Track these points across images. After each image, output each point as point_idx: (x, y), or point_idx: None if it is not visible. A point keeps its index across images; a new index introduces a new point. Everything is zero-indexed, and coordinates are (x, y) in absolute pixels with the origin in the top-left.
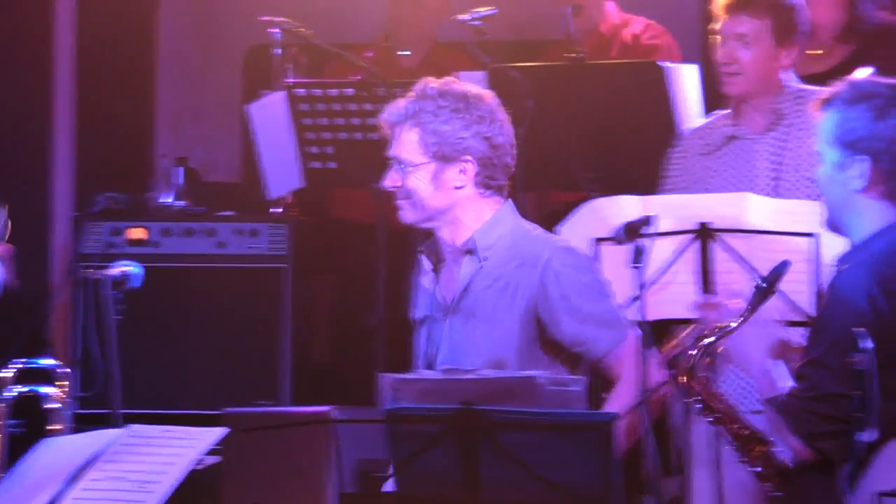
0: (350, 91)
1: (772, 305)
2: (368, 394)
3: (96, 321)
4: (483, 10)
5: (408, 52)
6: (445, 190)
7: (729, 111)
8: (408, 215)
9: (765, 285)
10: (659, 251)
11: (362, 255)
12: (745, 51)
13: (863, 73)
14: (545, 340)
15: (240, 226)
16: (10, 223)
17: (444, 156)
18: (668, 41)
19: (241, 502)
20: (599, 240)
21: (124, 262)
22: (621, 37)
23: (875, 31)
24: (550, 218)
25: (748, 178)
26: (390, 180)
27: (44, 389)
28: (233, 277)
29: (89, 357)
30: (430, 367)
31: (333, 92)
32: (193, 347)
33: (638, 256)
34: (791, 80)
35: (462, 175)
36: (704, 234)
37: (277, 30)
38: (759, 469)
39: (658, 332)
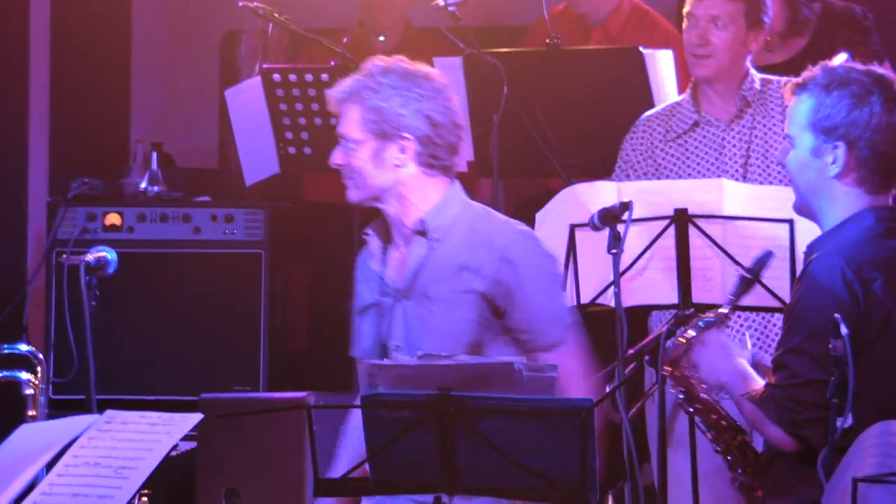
0: (325, 76)
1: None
2: (345, 380)
3: (71, 307)
4: None
5: (383, 38)
6: (386, 168)
7: (686, 98)
8: (352, 194)
9: (749, 275)
10: (634, 237)
11: (339, 240)
12: (719, 33)
13: (839, 59)
14: (500, 325)
15: (215, 211)
16: None
17: (383, 133)
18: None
19: (217, 488)
20: (576, 226)
21: (100, 248)
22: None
23: (824, 17)
24: (528, 204)
25: (716, 165)
26: (336, 158)
27: (19, 375)
28: (208, 263)
29: (64, 342)
30: (384, 352)
31: (309, 77)
32: (169, 333)
33: (615, 242)
34: (751, 67)
35: (402, 154)
36: (681, 219)
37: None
38: (732, 458)
39: (633, 318)
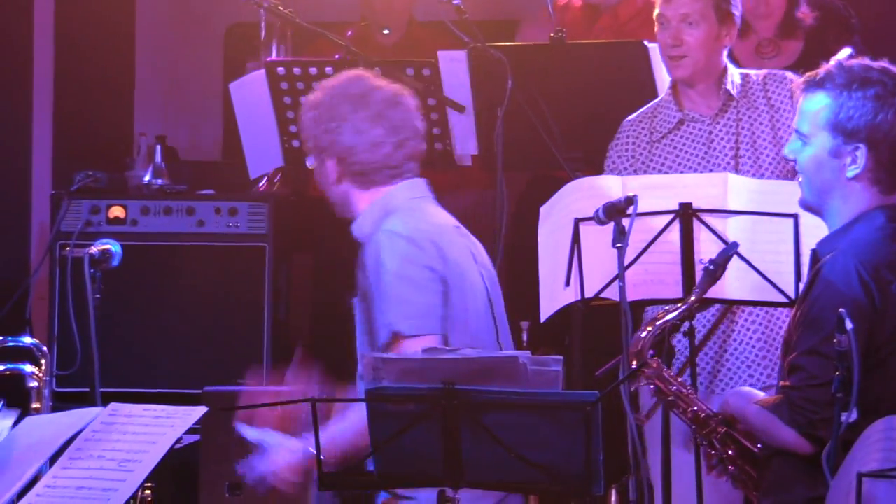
0: (329, 70)
1: (754, 286)
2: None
3: (75, 299)
4: None
5: (387, 31)
6: (328, 184)
7: (667, 97)
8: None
9: (712, 267)
10: (639, 231)
11: (342, 234)
12: (691, 31)
13: (843, 53)
14: None
15: (219, 204)
16: None
17: (318, 151)
18: None
19: (220, 480)
20: (580, 219)
21: (104, 241)
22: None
23: (817, 17)
24: (532, 198)
25: (706, 159)
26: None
27: (23, 367)
28: (212, 256)
29: (68, 335)
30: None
31: (313, 70)
32: (172, 326)
33: (619, 236)
34: (728, 62)
35: (333, 170)
36: (686, 214)
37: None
38: (714, 451)
39: (636, 312)
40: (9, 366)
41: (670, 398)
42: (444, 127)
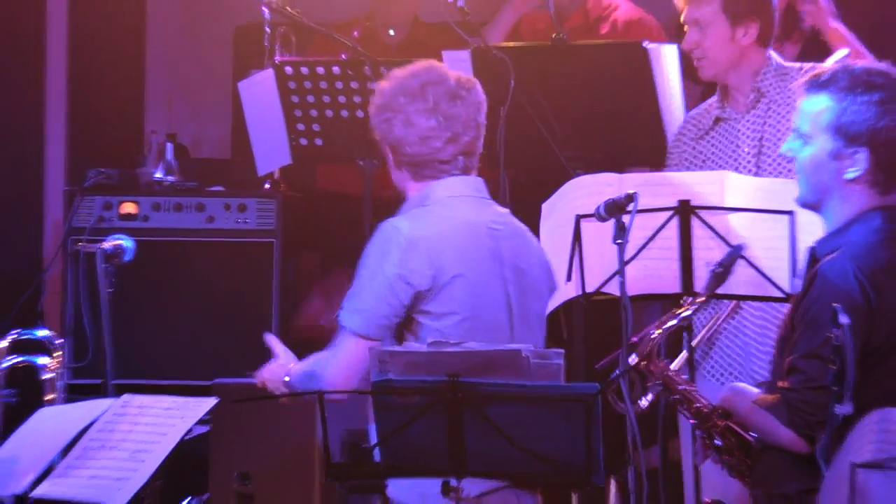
0: (336, 69)
1: (749, 281)
2: None
3: (89, 293)
4: None
5: (393, 32)
6: (391, 168)
7: (716, 95)
8: None
9: (720, 270)
10: (639, 228)
11: (350, 230)
12: (703, 35)
13: (840, 54)
14: None
15: (229, 201)
16: None
17: (379, 137)
18: (649, 20)
19: (230, 471)
20: (581, 216)
21: (117, 236)
22: (610, 18)
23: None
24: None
25: (732, 159)
26: None
27: (38, 360)
28: (222, 252)
29: (81, 329)
30: None
31: (320, 70)
32: (183, 319)
33: (620, 233)
34: (773, 57)
35: (391, 158)
36: (684, 210)
37: (266, 8)
38: (720, 444)
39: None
40: (24, 358)
41: (676, 397)
42: None
